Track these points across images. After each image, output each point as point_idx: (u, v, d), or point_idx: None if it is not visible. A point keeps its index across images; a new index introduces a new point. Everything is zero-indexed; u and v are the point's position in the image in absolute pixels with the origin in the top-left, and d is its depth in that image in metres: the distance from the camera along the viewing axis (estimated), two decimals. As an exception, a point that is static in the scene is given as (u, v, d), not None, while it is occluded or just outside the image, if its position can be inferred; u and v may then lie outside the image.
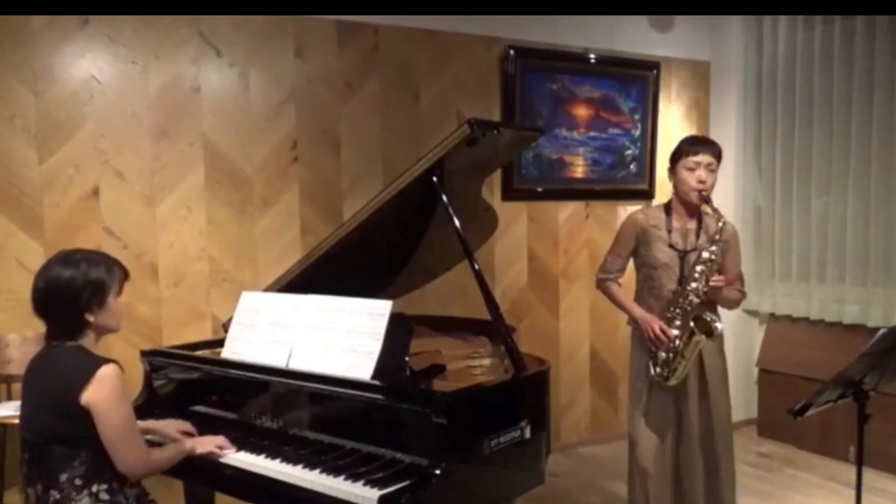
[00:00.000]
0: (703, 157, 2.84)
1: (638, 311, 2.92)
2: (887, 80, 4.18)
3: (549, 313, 4.63)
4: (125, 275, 2.13)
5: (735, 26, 4.95)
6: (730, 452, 2.99)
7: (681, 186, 2.89)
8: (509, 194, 4.43)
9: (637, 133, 4.81)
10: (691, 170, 2.84)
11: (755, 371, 4.94)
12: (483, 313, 2.41)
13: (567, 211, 4.65)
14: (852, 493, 2.50)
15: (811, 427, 4.39)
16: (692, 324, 2.76)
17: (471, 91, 4.28)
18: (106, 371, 1.97)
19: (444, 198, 2.44)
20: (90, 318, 2.03)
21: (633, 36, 4.77)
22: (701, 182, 2.82)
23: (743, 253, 3.16)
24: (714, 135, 4.91)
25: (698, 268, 2.80)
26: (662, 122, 4.91)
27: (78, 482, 1.97)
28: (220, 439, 2.24)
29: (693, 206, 2.90)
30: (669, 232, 2.91)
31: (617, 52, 4.71)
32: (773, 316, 4.89)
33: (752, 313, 5.01)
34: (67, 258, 2.06)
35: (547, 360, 2.39)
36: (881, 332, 2.24)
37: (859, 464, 2.44)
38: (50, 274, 2.02)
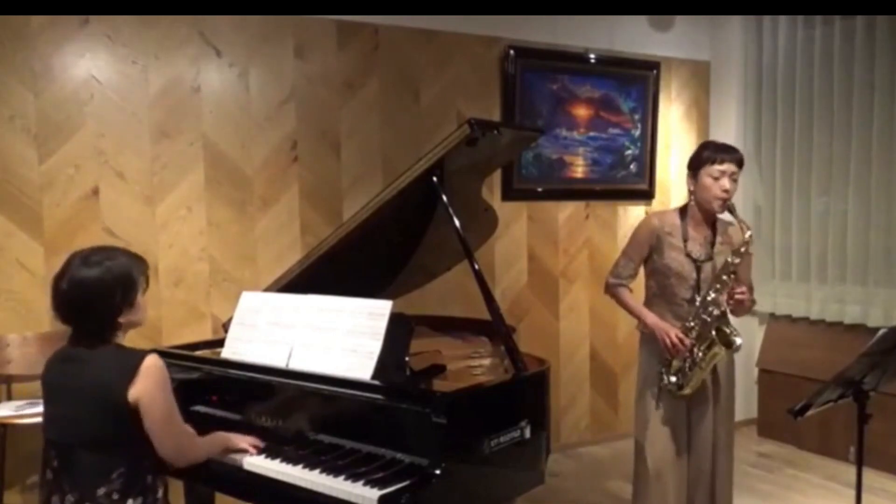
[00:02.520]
0: (728, 166, 2.76)
1: (651, 318, 2.86)
2: (887, 80, 4.18)
3: (549, 313, 4.63)
4: (147, 267, 2.10)
5: (735, 26, 4.94)
6: (730, 454, 2.97)
7: (702, 194, 2.81)
8: (509, 194, 4.42)
9: (637, 133, 4.81)
10: (716, 178, 2.76)
11: (755, 371, 4.93)
12: (483, 313, 2.41)
13: (567, 211, 4.64)
14: (852, 493, 2.50)
15: (811, 427, 4.38)
16: (714, 335, 2.72)
17: (471, 91, 4.28)
18: (150, 362, 1.97)
19: (444, 198, 2.44)
20: (122, 320, 2.01)
21: (633, 36, 4.77)
22: (725, 191, 2.76)
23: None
24: (714, 135, 4.92)
25: (724, 277, 2.74)
26: (662, 122, 4.90)
27: (115, 496, 1.96)
28: (253, 438, 2.25)
29: (711, 213, 2.85)
30: (686, 240, 2.85)
31: (617, 52, 4.70)
32: (773, 316, 4.89)
33: (752, 313, 4.99)
34: (90, 258, 1.99)
35: (547, 360, 2.39)
36: (881, 332, 2.24)
37: (859, 464, 2.44)
38: (76, 276, 1.96)
